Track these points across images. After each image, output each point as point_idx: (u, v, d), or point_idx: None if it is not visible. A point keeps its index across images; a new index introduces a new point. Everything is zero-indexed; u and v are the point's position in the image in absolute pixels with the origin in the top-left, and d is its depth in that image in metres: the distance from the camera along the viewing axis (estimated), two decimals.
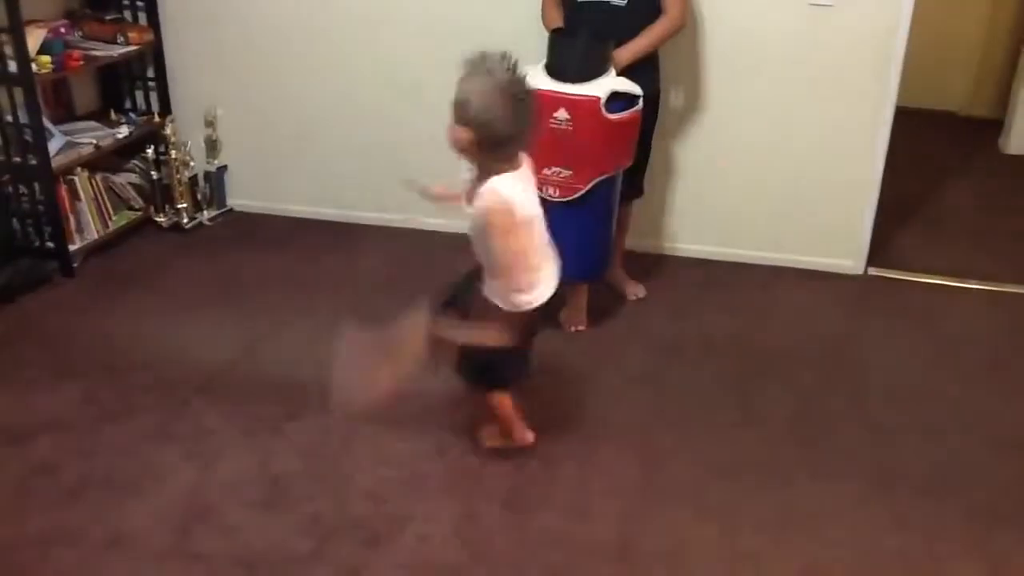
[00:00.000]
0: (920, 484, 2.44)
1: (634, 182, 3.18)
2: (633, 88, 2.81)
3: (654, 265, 3.62)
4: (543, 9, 3.09)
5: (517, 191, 2.10)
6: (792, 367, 2.98)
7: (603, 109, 2.72)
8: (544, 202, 2.77)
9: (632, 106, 2.82)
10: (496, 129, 2.00)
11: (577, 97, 2.72)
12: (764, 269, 3.64)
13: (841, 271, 3.62)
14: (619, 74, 2.83)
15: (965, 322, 3.30)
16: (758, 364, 2.99)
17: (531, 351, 2.42)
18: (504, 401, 2.41)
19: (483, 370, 2.38)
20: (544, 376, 2.86)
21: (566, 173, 2.79)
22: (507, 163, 2.09)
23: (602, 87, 2.74)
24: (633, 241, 3.50)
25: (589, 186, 2.81)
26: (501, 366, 2.34)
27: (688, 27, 3.13)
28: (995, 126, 5.26)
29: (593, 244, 3.00)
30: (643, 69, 2.93)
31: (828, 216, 3.57)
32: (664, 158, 3.51)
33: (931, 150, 5.04)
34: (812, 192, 3.55)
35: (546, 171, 2.80)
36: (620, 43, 2.87)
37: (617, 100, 2.77)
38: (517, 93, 2.00)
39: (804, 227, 3.61)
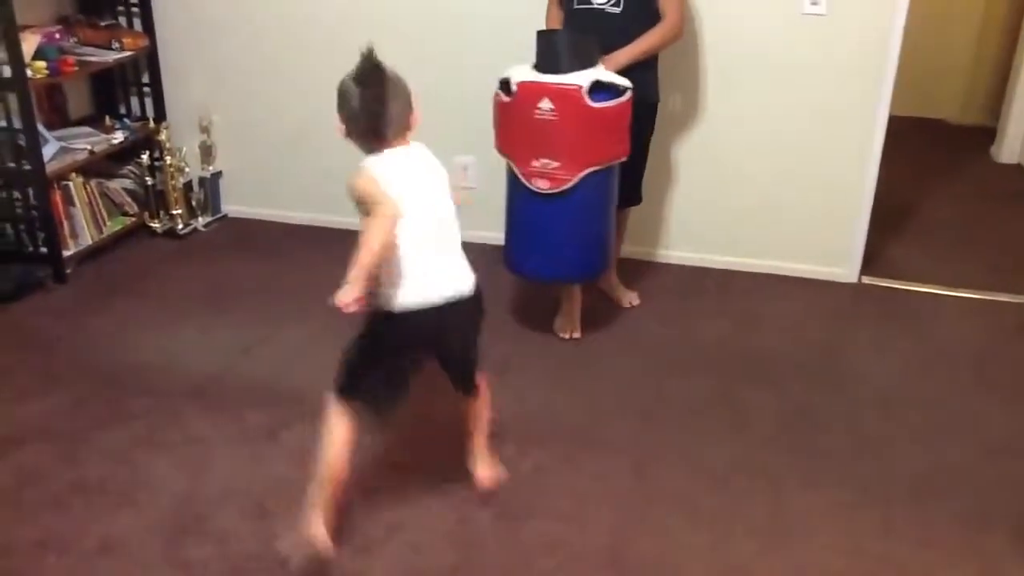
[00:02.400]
0: (910, 490, 2.44)
1: (631, 189, 3.18)
2: (619, 80, 2.82)
3: (647, 272, 3.62)
4: (547, 15, 3.13)
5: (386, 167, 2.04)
6: (784, 375, 2.98)
7: (586, 97, 2.73)
8: (535, 196, 2.80)
9: (619, 98, 2.82)
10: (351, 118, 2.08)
11: (559, 86, 2.73)
12: (757, 277, 3.65)
13: (834, 279, 3.63)
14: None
15: (957, 330, 3.31)
16: (750, 371, 2.99)
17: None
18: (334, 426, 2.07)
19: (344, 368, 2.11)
20: (536, 383, 2.87)
21: (554, 165, 2.79)
22: (379, 147, 2.07)
23: (584, 77, 2.75)
24: (626, 248, 3.50)
25: (578, 178, 2.81)
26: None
27: (683, 36, 3.15)
28: (987, 134, 5.28)
29: (587, 241, 2.99)
30: (643, 75, 2.94)
31: (822, 224, 3.58)
32: (658, 165, 3.52)
33: (923, 158, 5.06)
34: (806, 200, 3.57)
35: (534, 163, 2.81)
36: (613, 49, 2.88)
37: (603, 91, 2.78)
38: (361, 82, 2.06)
39: (798, 235, 3.62)
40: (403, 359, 2.12)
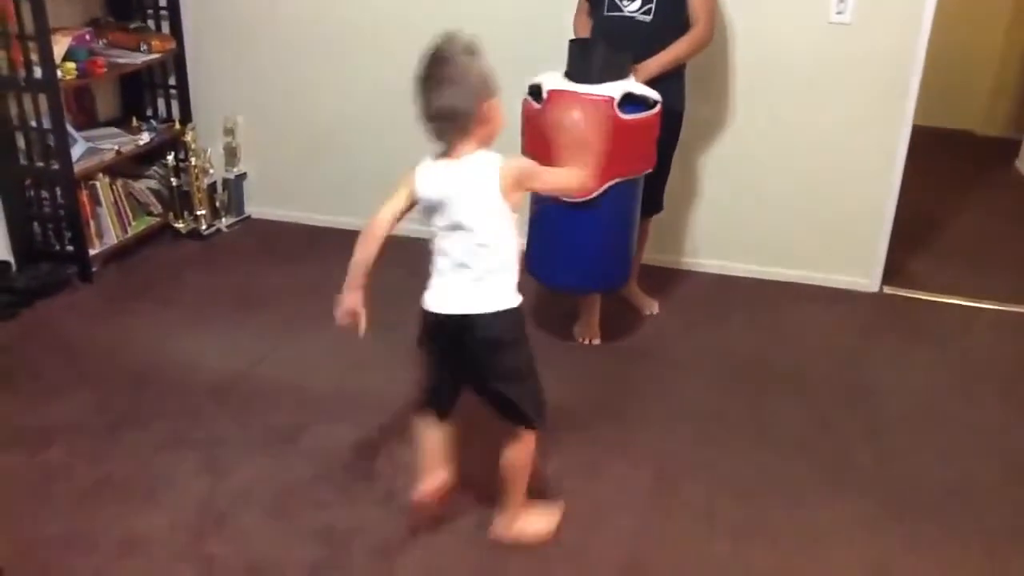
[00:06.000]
0: (934, 505, 2.42)
1: (653, 197, 3.18)
2: (649, 93, 2.82)
3: (669, 281, 3.62)
4: (575, 21, 3.13)
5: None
6: (806, 385, 2.97)
7: (617, 109, 2.74)
8: (560, 205, 2.80)
9: (649, 110, 2.82)
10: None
11: (591, 97, 2.73)
12: (780, 286, 3.64)
13: (857, 289, 3.61)
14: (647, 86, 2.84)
15: (980, 342, 3.29)
16: (772, 381, 2.98)
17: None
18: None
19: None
20: (556, 389, 2.86)
21: None
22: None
23: (616, 88, 2.75)
24: (648, 256, 3.50)
25: (603, 189, 2.81)
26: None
27: (710, 44, 3.14)
28: (1012, 146, 5.25)
29: (610, 252, 2.99)
30: (670, 84, 2.93)
31: (845, 234, 3.57)
32: (682, 174, 3.52)
33: (948, 169, 5.03)
34: (829, 209, 3.56)
35: None
36: (644, 57, 2.88)
37: (633, 104, 2.78)
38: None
39: (820, 244, 3.61)
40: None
